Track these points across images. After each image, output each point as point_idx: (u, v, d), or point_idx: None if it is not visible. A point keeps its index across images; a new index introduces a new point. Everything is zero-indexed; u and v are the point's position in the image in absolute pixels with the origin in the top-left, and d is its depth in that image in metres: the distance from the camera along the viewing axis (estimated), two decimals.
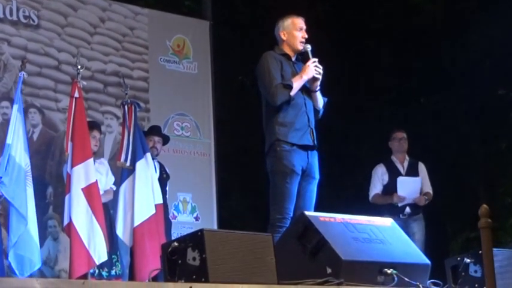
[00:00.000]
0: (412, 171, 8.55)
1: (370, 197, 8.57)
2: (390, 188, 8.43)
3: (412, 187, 8.43)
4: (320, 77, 6.11)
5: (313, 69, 6.05)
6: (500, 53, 10.34)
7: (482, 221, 4.16)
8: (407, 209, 8.37)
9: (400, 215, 8.29)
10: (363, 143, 11.60)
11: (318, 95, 6.19)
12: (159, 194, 7.43)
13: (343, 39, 11.51)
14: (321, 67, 6.12)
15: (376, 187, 8.55)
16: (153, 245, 7.01)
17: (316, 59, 6.09)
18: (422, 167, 8.61)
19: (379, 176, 8.55)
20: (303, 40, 6.15)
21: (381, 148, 10.23)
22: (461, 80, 11.04)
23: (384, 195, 8.48)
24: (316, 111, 6.22)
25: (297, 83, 6.03)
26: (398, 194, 8.32)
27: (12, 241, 6.59)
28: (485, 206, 4.20)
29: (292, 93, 6.00)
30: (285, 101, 6.01)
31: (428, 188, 8.56)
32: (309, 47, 6.14)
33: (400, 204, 8.35)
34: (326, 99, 6.28)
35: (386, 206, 8.38)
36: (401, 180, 8.41)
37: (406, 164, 8.59)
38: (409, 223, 8.33)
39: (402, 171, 8.54)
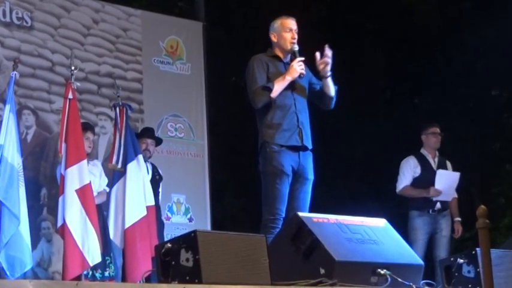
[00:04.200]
0: (443, 168, 8.28)
1: (399, 189, 8.26)
2: (421, 182, 8.15)
3: (450, 182, 8.15)
4: (328, 66, 6.09)
5: (297, 68, 6.00)
6: (494, 53, 10.36)
7: (480, 222, 4.12)
8: (438, 205, 8.11)
9: (430, 211, 8.09)
10: (357, 143, 11.59)
11: (330, 81, 6.16)
12: (150, 195, 7.39)
13: (337, 40, 11.47)
14: (330, 52, 6.08)
15: (407, 179, 8.22)
16: (144, 246, 6.99)
17: (302, 58, 6.05)
18: (449, 166, 8.38)
19: (412, 168, 8.23)
20: (293, 41, 6.12)
21: (375, 149, 10.23)
22: (456, 81, 11.05)
23: (416, 188, 8.15)
24: (329, 98, 6.19)
25: (279, 85, 5.99)
26: (436, 187, 8.02)
27: (3, 242, 6.56)
28: (483, 206, 4.16)
29: (273, 95, 5.97)
30: (265, 103, 6.00)
31: (454, 193, 8.32)
32: (296, 47, 6.10)
33: (434, 199, 8.08)
34: (336, 86, 6.25)
35: (415, 200, 8.14)
36: (440, 174, 8.10)
37: (436, 160, 8.32)
38: (438, 219, 8.12)
39: (434, 166, 8.27)
